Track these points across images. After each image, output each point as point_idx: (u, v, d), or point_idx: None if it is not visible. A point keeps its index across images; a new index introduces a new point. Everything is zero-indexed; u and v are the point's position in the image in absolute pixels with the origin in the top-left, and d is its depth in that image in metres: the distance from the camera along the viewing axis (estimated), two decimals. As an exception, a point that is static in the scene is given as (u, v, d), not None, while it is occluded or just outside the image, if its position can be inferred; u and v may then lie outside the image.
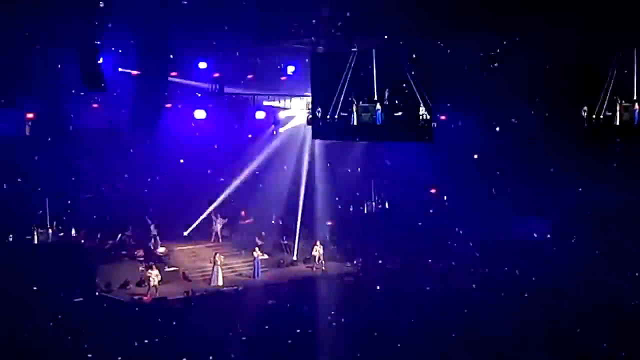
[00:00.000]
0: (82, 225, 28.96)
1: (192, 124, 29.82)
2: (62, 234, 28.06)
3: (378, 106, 20.43)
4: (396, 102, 20.23)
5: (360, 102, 20.68)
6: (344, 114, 21.09)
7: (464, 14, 21.08)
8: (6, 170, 26.25)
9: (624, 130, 18.54)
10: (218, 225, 31.89)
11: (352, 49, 22.70)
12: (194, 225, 30.91)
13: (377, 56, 21.24)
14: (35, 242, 27.51)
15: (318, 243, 31.08)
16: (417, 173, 33.16)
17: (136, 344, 18.99)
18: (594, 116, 18.46)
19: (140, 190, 30.37)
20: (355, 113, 20.81)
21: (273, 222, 33.36)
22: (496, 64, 25.19)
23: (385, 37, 22.65)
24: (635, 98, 17.95)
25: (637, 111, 18.37)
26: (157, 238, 30.02)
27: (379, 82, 20.66)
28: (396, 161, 33.10)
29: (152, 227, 30.17)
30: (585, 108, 18.43)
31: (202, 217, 31.37)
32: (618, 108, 18.42)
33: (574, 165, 27.61)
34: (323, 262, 30.83)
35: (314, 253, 31.00)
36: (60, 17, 22.65)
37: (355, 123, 21.02)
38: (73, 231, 28.43)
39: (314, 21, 23.80)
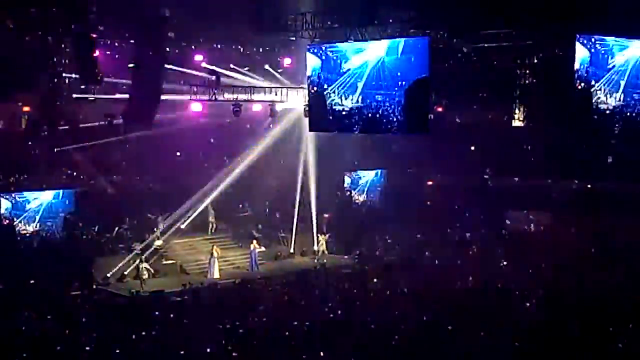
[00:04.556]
0: (80, 219, 28.96)
1: (189, 116, 29.79)
2: (55, 224, 28.11)
3: (375, 95, 20.61)
4: (391, 91, 20.43)
5: (358, 91, 20.84)
6: (342, 102, 21.25)
7: (461, 8, 21.16)
8: (2, 162, 26.22)
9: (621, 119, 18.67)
10: (210, 217, 31.88)
11: (349, 41, 22.77)
12: (191, 218, 30.88)
13: (374, 48, 21.35)
14: (32, 235, 27.61)
15: (321, 235, 31.16)
16: (415, 164, 33.23)
17: (134, 336, 18.95)
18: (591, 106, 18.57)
19: (138, 183, 30.35)
20: (353, 101, 20.98)
21: (270, 214, 33.39)
22: (493, 57, 25.24)
23: (383, 28, 22.69)
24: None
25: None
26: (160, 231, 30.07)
27: (376, 73, 20.83)
28: (393, 152, 33.14)
29: (159, 219, 30.15)
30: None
31: (199, 209, 31.28)
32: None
33: (572, 156, 27.70)
34: (325, 253, 30.93)
35: (319, 246, 31.03)
36: (56, 8, 22.66)
37: (353, 110, 21.22)
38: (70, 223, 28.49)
39: (310, 13, 23.84)
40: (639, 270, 24.89)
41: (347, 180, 35.93)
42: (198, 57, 28.77)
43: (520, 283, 24.96)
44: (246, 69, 29.74)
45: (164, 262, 28.60)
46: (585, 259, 27.13)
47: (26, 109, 26.74)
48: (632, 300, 21.75)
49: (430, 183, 35.27)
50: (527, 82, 25.04)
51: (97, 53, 23.27)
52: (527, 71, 24.14)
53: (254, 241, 29.86)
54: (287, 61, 30.48)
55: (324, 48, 23.38)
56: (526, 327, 19.79)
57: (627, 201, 29.27)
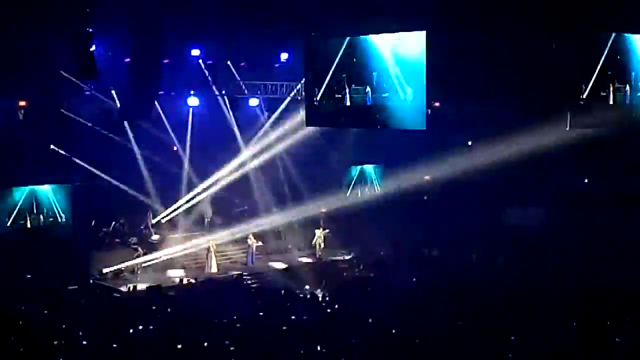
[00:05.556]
0: (76, 213, 28.93)
1: (186, 111, 29.77)
2: (52, 219, 28.08)
3: (368, 88, 20.77)
4: (384, 85, 20.60)
5: (353, 85, 20.97)
6: (338, 95, 21.40)
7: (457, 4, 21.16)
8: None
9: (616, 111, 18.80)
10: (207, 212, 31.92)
11: (347, 36, 22.72)
12: (187, 212, 30.90)
13: (371, 44, 21.38)
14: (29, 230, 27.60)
15: (319, 230, 31.14)
16: (412, 160, 33.18)
17: (131, 330, 18.95)
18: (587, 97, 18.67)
19: (134, 178, 30.31)
20: (348, 95, 21.12)
21: (267, 209, 33.37)
22: (490, 51, 25.16)
23: (381, 23, 22.63)
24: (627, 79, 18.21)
25: (628, 92, 18.61)
26: (151, 226, 30.06)
27: (369, 67, 20.98)
28: (391, 148, 33.10)
29: (149, 214, 30.18)
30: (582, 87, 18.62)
31: (196, 203, 31.27)
32: (611, 89, 18.62)
33: (569, 150, 27.66)
34: (322, 248, 30.92)
35: (317, 241, 31.01)
36: (53, 3, 22.59)
37: (348, 104, 21.34)
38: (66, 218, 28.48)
39: (307, 8, 23.79)
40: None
41: (345, 175, 35.89)
42: (195, 52, 28.71)
43: (519, 280, 25.03)
44: (243, 64, 29.66)
45: (161, 257, 28.58)
46: (584, 257, 27.15)
47: (22, 103, 26.65)
48: (631, 297, 21.81)
49: (427, 178, 35.24)
50: (526, 79, 25.00)
51: (93, 48, 23.19)
52: (526, 67, 24.06)
53: (251, 236, 29.84)
54: (284, 56, 30.43)
55: (321, 43, 23.32)
56: (524, 324, 19.84)
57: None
